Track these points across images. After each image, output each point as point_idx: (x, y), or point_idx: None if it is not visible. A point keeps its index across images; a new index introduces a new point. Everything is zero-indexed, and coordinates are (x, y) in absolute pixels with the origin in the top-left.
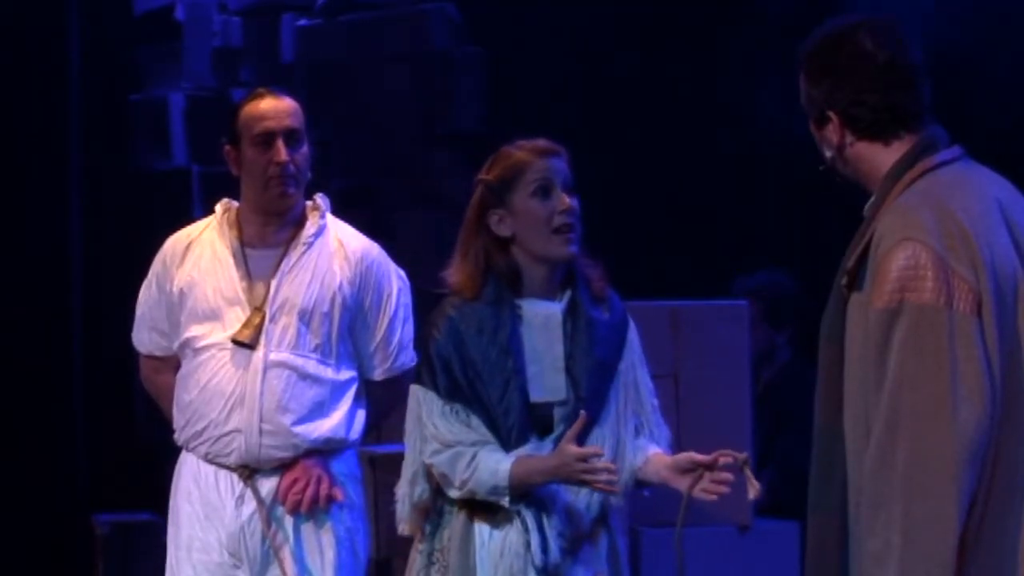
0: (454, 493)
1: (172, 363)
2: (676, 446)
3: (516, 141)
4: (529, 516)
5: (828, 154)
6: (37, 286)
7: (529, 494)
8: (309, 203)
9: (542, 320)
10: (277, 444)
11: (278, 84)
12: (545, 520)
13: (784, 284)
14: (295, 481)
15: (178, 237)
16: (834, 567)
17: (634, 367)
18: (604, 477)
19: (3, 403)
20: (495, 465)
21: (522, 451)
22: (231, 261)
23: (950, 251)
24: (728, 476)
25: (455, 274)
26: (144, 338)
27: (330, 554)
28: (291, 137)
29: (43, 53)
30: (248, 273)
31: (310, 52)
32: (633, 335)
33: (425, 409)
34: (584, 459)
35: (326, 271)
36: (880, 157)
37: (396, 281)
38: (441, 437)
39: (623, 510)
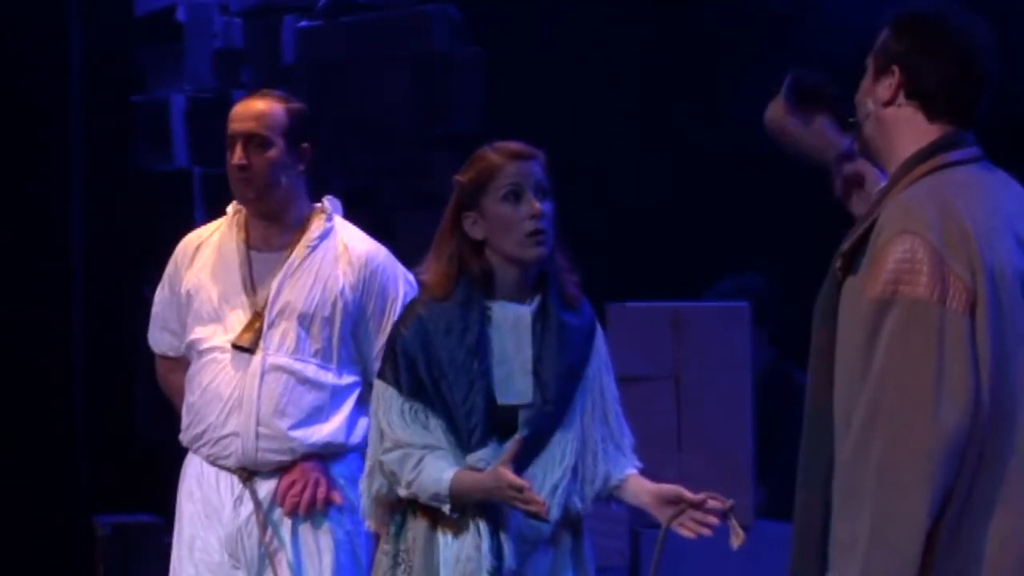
0: (402, 492)
1: (185, 363)
2: (676, 447)
3: (494, 143)
4: (484, 520)
5: (869, 109)
6: (38, 287)
7: (478, 504)
8: (318, 206)
9: (511, 322)
10: (274, 448)
11: (279, 85)
12: (501, 524)
13: (755, 286)
14: (293, 483)
15: (190, 238)
16: (815, 548)
17: (601, 373)
18: (534, 508)
19: (3, 403)
20: (438, 474)
21: (480, 454)
22: (236, 264)
23: (949, 249)
24: (714, 520)
25: (428, 273)
26: (157, 338)
27: (328, 558)
28: (252, 141)
29: (44, 54)
30: (252, 276)
31: (311, 53)
32: (600, 341)
33: (384, 405)
34: (517, 488)
35: (328, 275)
36: (914, 130)
37: (403, 285)
38: (395, 436)
39: (602, 513)
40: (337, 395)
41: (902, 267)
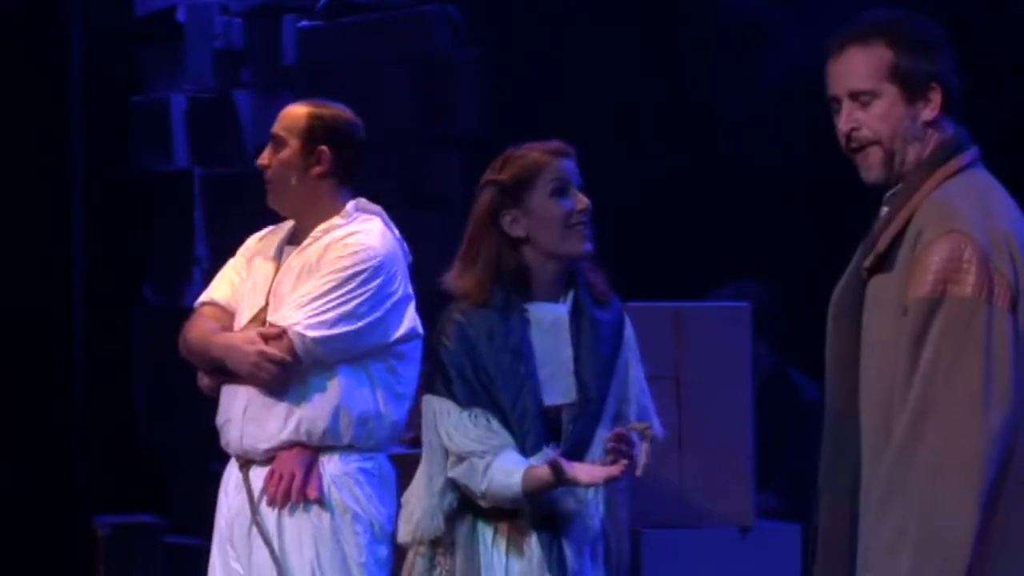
0: (484, 503)
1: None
2: (677, 447)
3: (525, 143)
4: (541, 527)
5: (906, 133)
6: (38, 287)
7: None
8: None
9: (550, 323)
10: (258, 434)
11: (279, 85)
12: (557, 528)
13: (755, 293)
14: (273, 474)
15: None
16: (844, 549)
17: (629, 363)
18: (615, 471)
19: (3, 403)
20: (506, 479)
21: (534, 460)
22: (271, 258)
23: (994, 247)
24: (619, 446)
25: (461, 279)
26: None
27: (310, 553)
28: (273, 141)
29: (45, 54)
30: (277, 270)
31: (311, 53)
32: (630, 332)
33: (440, 419)
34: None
35: (315, 263)
36: (937, 134)
37: (351, 259)
38: (455, 447)
39: (626, 508)
40: (319, 383)
41: (950, 266)
